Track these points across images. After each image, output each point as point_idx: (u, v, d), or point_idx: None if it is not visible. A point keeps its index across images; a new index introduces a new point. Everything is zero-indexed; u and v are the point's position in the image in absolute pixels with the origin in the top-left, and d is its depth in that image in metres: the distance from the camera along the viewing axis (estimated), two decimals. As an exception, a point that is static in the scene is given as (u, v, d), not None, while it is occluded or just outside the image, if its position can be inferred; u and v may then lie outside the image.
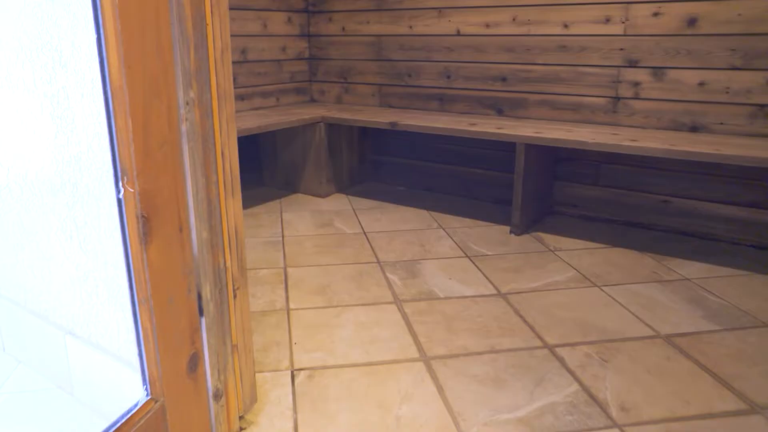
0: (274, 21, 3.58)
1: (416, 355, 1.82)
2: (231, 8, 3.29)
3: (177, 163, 1.13)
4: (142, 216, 1.03)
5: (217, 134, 1.27)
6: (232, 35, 3.33)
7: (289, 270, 2.45)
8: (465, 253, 2.63)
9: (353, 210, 3.24)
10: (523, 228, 2.89)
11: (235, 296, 1.41)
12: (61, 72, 1.17)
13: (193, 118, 1.20)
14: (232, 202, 1.35)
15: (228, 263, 1.36)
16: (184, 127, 1.18)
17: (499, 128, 2.88)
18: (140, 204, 1.02)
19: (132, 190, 1.00)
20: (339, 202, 3.40)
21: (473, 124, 2.99)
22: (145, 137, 1.02)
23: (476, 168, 3.42)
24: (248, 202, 3.38)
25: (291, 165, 3.53)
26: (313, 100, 3.98)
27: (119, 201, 1.00)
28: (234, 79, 3.38)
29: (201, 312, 1.28)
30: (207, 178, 1.26)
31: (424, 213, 3.20)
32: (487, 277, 2.38)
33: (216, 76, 1.25)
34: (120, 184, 1.00)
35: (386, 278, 2.37)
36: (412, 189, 3.68)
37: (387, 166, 3.76)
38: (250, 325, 1.64)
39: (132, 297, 1.14)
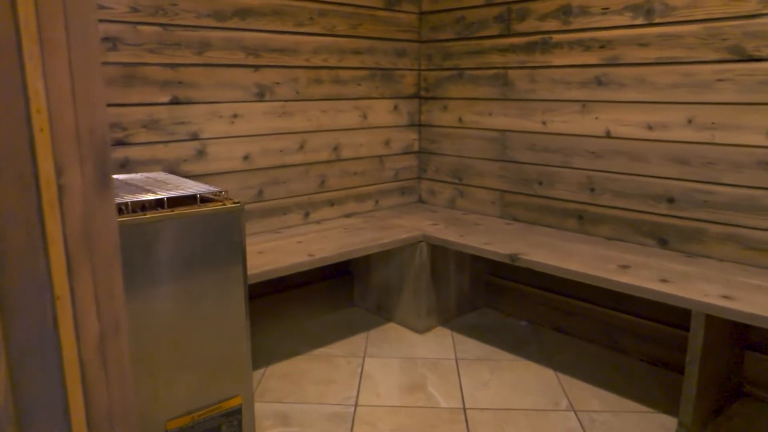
0: (377, 110, 2.98)
1: None
2: (320, 99, 2.74)
3: None
4: None
5: None
6: (321, 130, 2.77)
7: (349, 482, 1.76)
8: (606, 474, 1.80)
9: (455, 360, 2.49)
10: (697, 428, 1.99)
11: None
12: None
13: None
14: None
15: None
16: None
17: (663, 280, 2.03)
18: None
19: None
20: (440, 343, 2.66)
21: (625, 268, 2.16)
22: None
23: (625, 312, 2.54)
24: (329, 333, 2.76)
25: (385, 287, 2.87)
26: (421, 201, 3.32)
27: None
28: (321, 182, 2.82)
29: None
30: None
31: (549, 375, 2.37)
32: None
33: (87, 408, 0.62)
34: None
35: None
36: (536, 325, 2.85)
37: (506, 292, 2.98)
38: None
39: None
